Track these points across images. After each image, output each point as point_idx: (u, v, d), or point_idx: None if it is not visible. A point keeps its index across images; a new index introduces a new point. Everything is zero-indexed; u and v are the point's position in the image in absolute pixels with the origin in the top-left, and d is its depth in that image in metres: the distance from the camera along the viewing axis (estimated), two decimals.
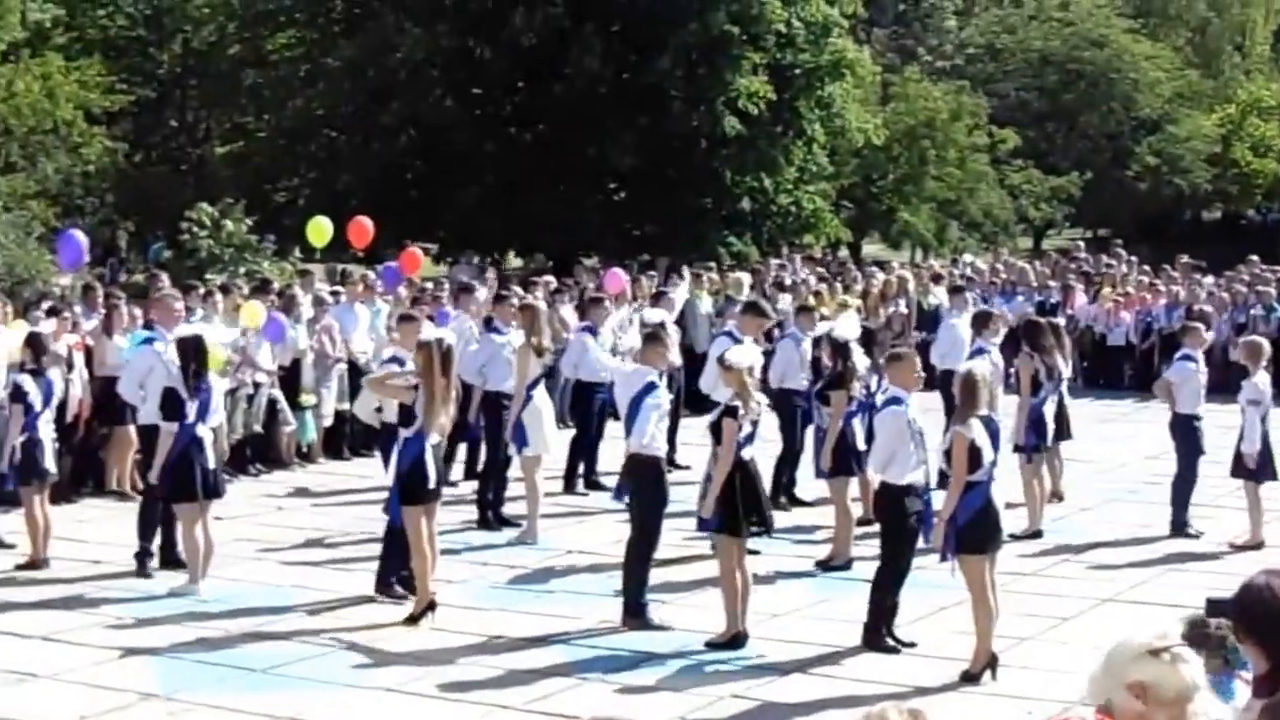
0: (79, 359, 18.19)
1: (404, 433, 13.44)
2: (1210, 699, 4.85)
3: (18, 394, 15.41)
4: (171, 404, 14.42)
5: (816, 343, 17.67)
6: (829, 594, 14.30)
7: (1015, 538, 15.53)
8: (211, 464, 14.53)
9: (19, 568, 15.02)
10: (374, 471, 18.55)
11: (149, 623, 13.23)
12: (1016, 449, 16.87)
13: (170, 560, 15.04)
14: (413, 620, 13.21)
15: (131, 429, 17.14)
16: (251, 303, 19.92)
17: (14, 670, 11.84)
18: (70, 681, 11.64)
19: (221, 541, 15.10)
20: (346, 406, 21.35)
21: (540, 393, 17.00)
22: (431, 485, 13.50)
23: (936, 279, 30.22)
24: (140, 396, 15.50)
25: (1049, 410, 17.35)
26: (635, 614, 13.15)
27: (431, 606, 13.29)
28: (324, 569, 15.21)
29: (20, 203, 29.60)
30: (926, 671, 11.94)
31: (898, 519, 12.45)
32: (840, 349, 15.99)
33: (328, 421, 21.39)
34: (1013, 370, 18.14)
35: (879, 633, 12.45)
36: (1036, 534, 16.63)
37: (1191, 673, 4.66)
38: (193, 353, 14.52)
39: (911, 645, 12.50)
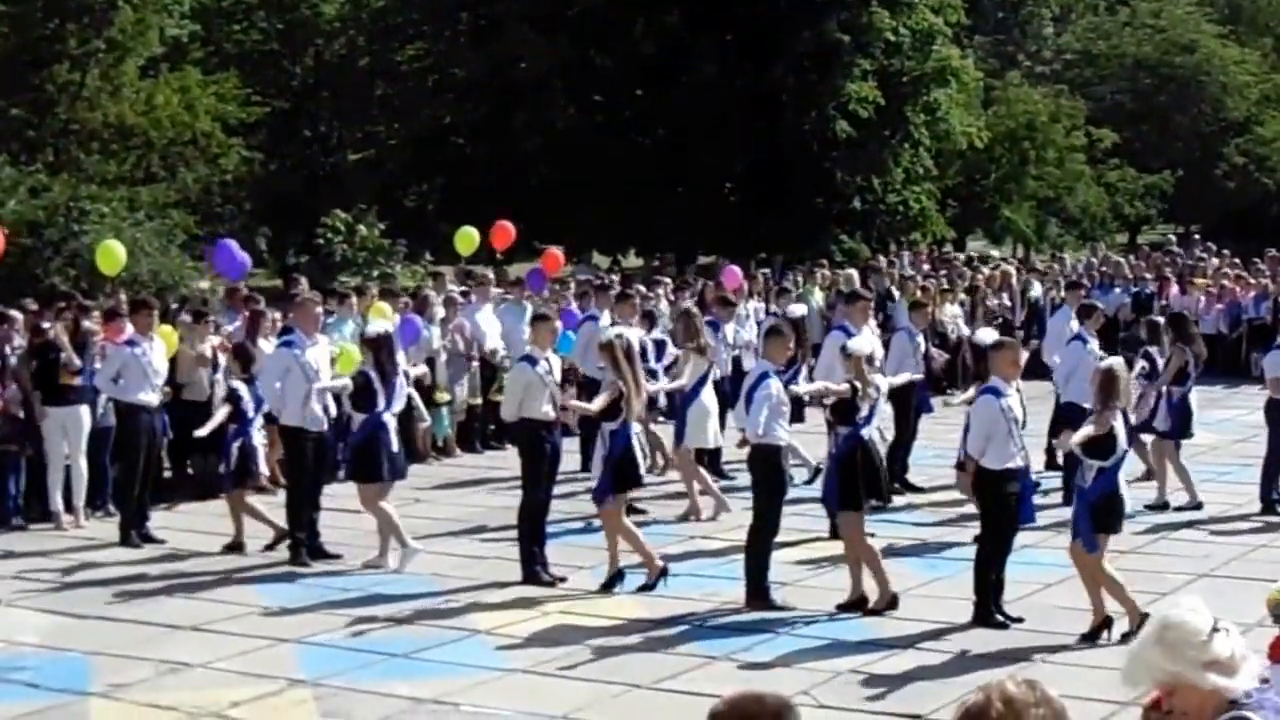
0: (222, 360, 18.52)
1: (609, 426, 14.13)
2: None
3: (233, 399, 16.08)
4: (364, 396, 15.07)
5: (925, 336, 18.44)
6: (939, 573, 14.73)
7: (1151, 508, 17.02)
8: (395, 447, 15.20)
9: (225, 549, 15.84)
10: (505, 463, 19.04)
11: (295, 611, 13.55)
12: (1156, 433, 17.74)
13: (316, 550, 15.49)
14: (606, 588, 14.14)
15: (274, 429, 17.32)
16: (379, 304, 20.31)
17: (168, 660, 12.11)
18: (221, 670, 11.89)
19: (362, 532, 15.61)
20: (479, 402, 21.93)
21: (709, 391, 17.60)
22: (642, 471, 14.49)
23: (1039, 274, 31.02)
24: (278, 397, 15.79)
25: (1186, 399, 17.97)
26: (758, 596, 13.56)
27: (664, 573, 14.13)
28: (461, 557, 15.59)
29: (162, 211, 29.57)
30: (1035, 644, 12.33)
31: (996, 501, 12.95)
32: (980, 353, 16.74)
33: (461, 417, 21.87)
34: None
35: (987, 609, 12.88)
36: (1198, 505, 17.50)
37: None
38: (386, 347, 15.27)
39: (1019, 620, 12.93)
